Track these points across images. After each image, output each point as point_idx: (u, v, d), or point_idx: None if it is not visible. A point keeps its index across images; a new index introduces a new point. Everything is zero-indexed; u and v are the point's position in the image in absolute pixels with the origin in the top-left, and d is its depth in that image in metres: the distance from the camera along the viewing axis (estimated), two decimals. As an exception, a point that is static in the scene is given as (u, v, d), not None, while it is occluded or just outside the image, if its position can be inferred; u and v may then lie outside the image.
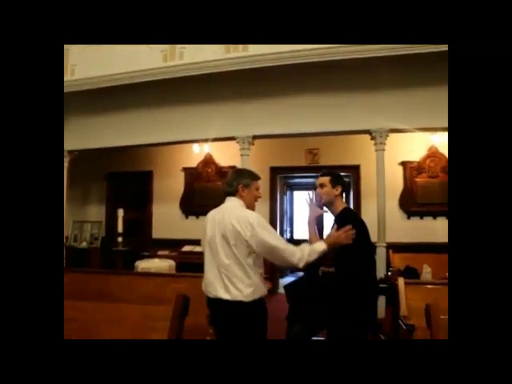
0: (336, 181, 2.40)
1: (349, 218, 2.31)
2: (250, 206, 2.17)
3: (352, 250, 2.17)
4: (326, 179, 2.41)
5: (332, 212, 2.45)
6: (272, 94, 4.72)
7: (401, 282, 2.89)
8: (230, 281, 2.01)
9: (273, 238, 2.03)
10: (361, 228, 2.25)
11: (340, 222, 2.25)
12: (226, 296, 2.02)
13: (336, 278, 2.30)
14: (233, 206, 2.12)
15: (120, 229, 5.20)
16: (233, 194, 2.16)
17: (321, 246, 2.11)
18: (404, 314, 2.66)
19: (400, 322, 2.68)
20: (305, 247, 2.10)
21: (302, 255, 2.03)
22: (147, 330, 2.06)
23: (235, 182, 2.16)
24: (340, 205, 2.41)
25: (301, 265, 2.04)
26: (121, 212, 5.28)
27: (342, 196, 2.43)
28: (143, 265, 4.08)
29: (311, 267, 2.25)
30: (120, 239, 5.23)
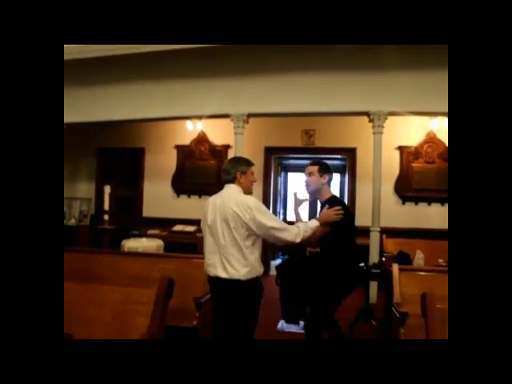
0: (323, 170, 2.60)
1: (337, 203, 2.52)
2: (248, 191, 2.34)
3: (339, 232, 2.43)
4: (314, 168, 2.61)
5: (319, 199, 2.66)
6: (269, 71, 4.54)
7: (395, 268, 2.81)
8: (228, 261, 2.16)
9: (270, 219, 2.20)
10: (347, 213, 2.48)
11: (330, 205, 2.46)
12: (224, 275, 2.17)
13: (323, 257, 2.55)
14: (232, 192, 2.26)
15: (106, 206, 5.04)
16: (231, 181, 2.31)
17: (314, 223, 2.35)
18: (397, 301, 2.60)
19: (393, 308, 2.61)
20: (300, 224, 2.34)
21: (298, 231, 2.23)
22: (129, 314, 1.98)
23: (233, 169, 2.31)
24: (326, 193, 2.62)
25: (298, 240, 2.21)
26: (107, 189, 5.11)
27: (328, 185, 2.63)
28: (130, 244, 3.95)
29: (299, 249, 2.56)
30: (106, 217, 5.06)
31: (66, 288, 2.01)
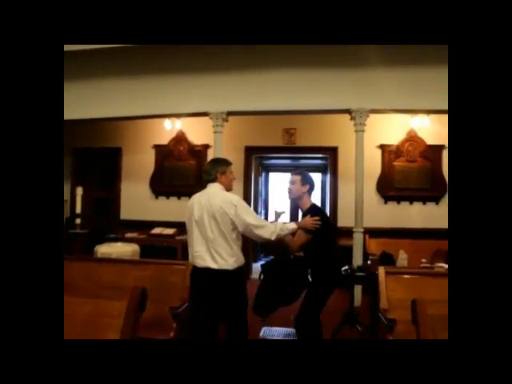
0: (305, 180, 2.85)
1: (316, 212, 2.75)
2: (229, 188, 2.55)
3: (319, 239, 2.67)
4: (297, 177, 2.86)
5: (300, 207, 2.91)
6: (248, 67, 4.43)
7: (381, 271, 2.71)
8: (217, 252, 2.36)
9: (250, 216, 2.40)
10: (325, 222, 2.75)
11: (311, 214, 2.71)
12: (214, 265, 2.36)
13: (305, 259, 2.79)
14: (215, 190, 2.47)
15: (78, 209, 4.78)
16: (213, 180, 2.51)
17: (291, 225, 2.59)
18: (384, 307, 2.50)
19: (380, 314, 2.51)
20: (278, 223, 2.54)
21: (275, 229, 2.42)
22: (99, 328, 1.82)
23: (213, 170, 2.51)
24: (307, 201, 2.86)
25: (273, 238, 2.41)
26: (80, 190, 4.86)
27: (309, 193, 2.87)
28: (103, 250, 3.74)
29: (283, 252, 2.75)
30: (78, 221, 4.80)
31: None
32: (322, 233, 2.65)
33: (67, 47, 4.05)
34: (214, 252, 2.36)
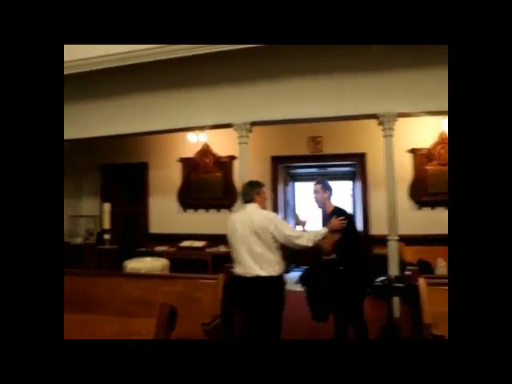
0: (325, 187, 3.25)
1: (341, 212, 3.11)
2: (263, 206, 2.92)
3: (349, 236, 3.01)
4: (318, 186, 3.25)
5: (325, 211, 3.29)
6: (270, 76, 4.36)
7: (422, 283, 2.54)
8: (265, 262, 2.69)
9: (287, 229, 2.78)
10: (349, 219, 3.09)
11: (337, 215, 3.05)
12: (263, 273, 2.69)
13: (338, 260, 3.02)
14: (253, 209, 2.83)
15: (107, 225, 4.80)
16: (250, 201, 2.87)
17: (323, 229, 2.94)
18: (429, 322, 2.31)
19: (425, 330, 2.31)
20: (311, 231, 2.93)
21: (309, 237, 2.80)
22: (128, 347, 1.75)
23: (250, 192, 2.89)
24: (330, 205, 3.26)
25: (310, 244, 2.77)
26: (107, 206, 4.89)
27: (329, 198, 3.26)
28: (132, 265, 3.72)
29: (316, 258, 3.08)
30: (107, 236, 4.82)
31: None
32: (348, 229, 3.00)
33: (89, 67, 4.15)
34: (261, 262, 2.68)
